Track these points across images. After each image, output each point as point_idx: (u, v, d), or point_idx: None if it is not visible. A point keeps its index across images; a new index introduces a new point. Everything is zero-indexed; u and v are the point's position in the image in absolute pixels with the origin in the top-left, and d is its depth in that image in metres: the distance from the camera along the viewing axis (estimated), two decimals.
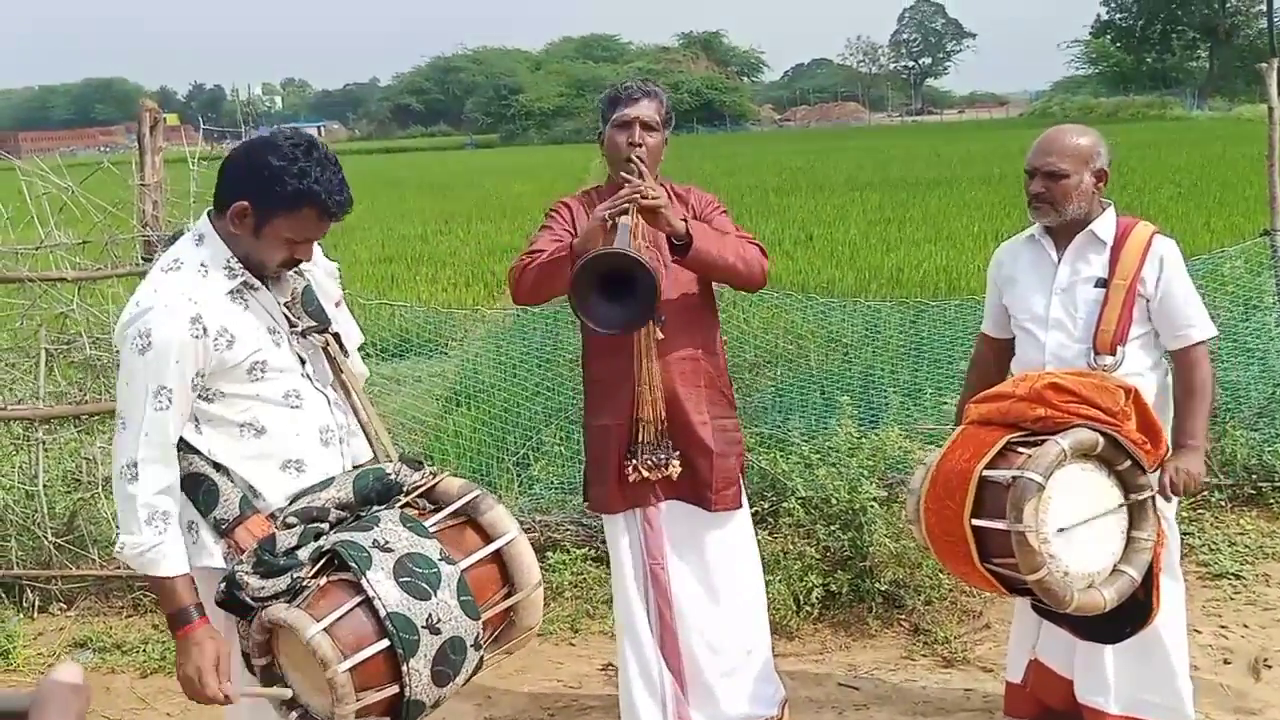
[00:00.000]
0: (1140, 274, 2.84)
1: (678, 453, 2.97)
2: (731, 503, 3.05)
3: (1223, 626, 3.92)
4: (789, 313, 5.61)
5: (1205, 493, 4.78)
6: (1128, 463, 2.53)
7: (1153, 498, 2.58)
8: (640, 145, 2.94)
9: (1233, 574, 4.27)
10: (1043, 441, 2.49)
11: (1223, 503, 4.78)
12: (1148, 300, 2.86)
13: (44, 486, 4.54)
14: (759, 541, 3.35)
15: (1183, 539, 4.20)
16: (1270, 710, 3.36)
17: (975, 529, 2.53)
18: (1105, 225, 2.91)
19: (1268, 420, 5.01)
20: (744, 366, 5.44)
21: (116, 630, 4.29)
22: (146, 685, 3.91)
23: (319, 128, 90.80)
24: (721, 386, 3.07)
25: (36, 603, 4.49)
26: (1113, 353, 2.81)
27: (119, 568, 4.29)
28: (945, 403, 4.97)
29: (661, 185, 3.00)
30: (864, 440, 4.48)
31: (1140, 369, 2.85)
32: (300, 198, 2.12)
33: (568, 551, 4.49)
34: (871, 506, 4.08)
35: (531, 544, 4.63)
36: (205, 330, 2.10)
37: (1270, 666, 3.63)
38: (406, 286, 11.20)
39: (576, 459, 5.02)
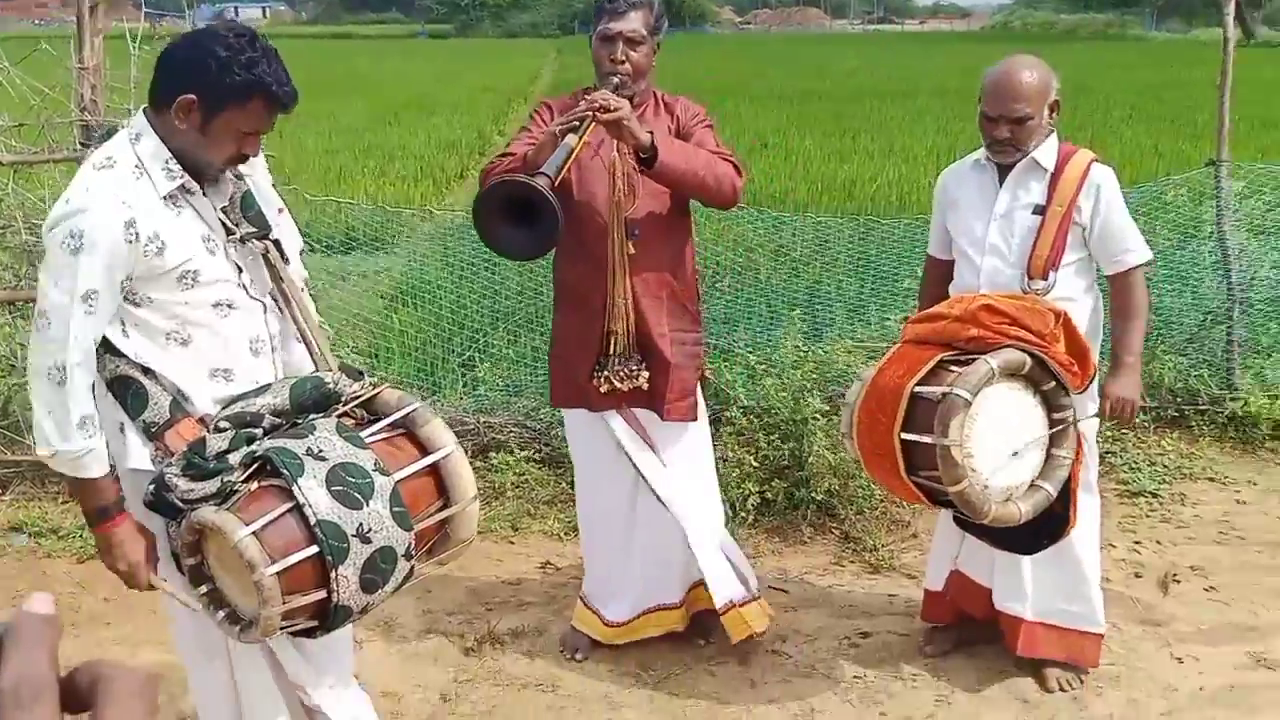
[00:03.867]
0: (1076, 201, 2.88)
1: (644, 363, 2.99)
2: (686, 414, 3.08)
3: (1136, 542, 4.09)
4: (739, 225, 5.60)
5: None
6: (1053, 384, 2.62)
7: (1074, 417, 2.68)
8: (624, 62, 2.87)
9: (1150, 492, 4.44)
10: (973, 360, 2.57)
11: (1146, 424, 4.93)
12: (1083, 228, 2.91)
13: None
14: None
15: (1104, 458, 4.36)
16: (1175, 623, 3.54)
17: (904, 442, 2.61)
18: (1047, 152, 2.93)
19: (1196, 347, 5.15)
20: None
21: (52, 515, 4.29)
22: (84, 570, 3.92)
23: (264, 9, 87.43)
24: (685, 300, 3.06)
25: None
26: (1045, 277, 2.87)
27: None
28: (889, 319, 5.03)
29: (651, 95, 2.96)
30: (809, 353, 4.55)
31: (1072, 294, 2.91)
32: (250, 88, 2.08)
33: (511, 452, 4.54)
34: (814, 419, 4.15)
35: (475, 444, 4.69)
36: (138, 235, 2.06)
37: (1179, 581, 3.80)
38: (353, 180, 10.93)
39: (523, 362, 5.03)
